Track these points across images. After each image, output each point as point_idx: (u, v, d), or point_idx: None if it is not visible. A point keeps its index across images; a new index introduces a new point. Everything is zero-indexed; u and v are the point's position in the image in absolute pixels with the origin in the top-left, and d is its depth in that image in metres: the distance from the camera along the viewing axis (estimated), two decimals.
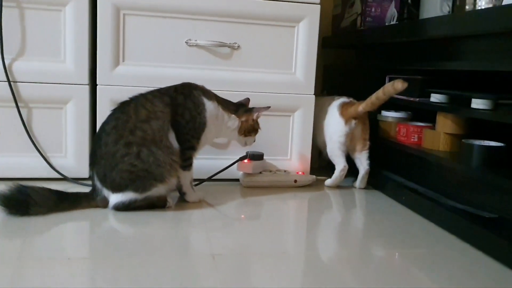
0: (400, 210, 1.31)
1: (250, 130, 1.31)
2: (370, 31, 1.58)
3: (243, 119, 1.29)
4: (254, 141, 1.35)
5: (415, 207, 1.29)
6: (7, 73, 1.33)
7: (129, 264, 0.88)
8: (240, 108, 1.31)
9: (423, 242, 1.08)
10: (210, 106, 1.24)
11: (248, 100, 1.36)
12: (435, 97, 1.38)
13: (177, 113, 1.19)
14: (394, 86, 1.36)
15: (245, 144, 1.33)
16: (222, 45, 1.43)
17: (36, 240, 0.97)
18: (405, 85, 1.35)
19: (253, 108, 1.32)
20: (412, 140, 1.46)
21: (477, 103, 1.20)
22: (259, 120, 1.34)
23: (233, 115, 1.29)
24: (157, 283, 0.81)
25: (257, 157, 1.44)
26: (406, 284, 0.86)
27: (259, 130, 1.34)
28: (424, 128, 1.44)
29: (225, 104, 1.29)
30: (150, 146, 1.13)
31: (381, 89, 1.39)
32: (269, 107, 1.33)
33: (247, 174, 1.45)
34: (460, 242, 1.09)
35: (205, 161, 1.46)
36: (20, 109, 1.35)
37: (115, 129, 1.14)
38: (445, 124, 1.35)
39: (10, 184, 1.08)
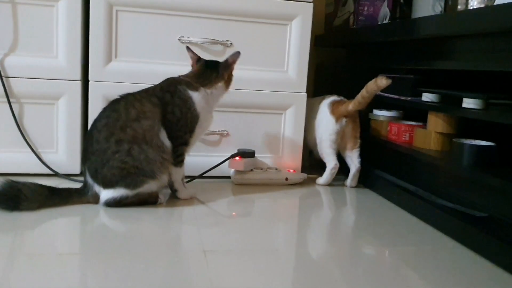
0: (391, 208, 1.32)
1: (230, 80, 1.29)
2: (363, 30, 1.59)
3: (225, 77, 1.27)
4: None
5: (406, 205, 1.30)
6: None
7: (120, 260, 0.88)
8: (219, 68, 1.26)
9: (414, 240, 1.09)
10: (197, 97, 1.23)
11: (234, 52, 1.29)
12: (426, 97, 1.39)
13: (167, 112, 1.19)
14: (377, 83, 1.37)
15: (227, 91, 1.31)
16: (215, 42, 1.43)
17: (27, 235, 0.97)
18: (389, 81, 1.35)
19: (226, 61, 1.27)
20: (403, 139, 1.47)
21: (468, 103, 1.21)
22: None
23: (219, 83, 1.26)
24: (148, 279, 0.81)
25: (248, 154, 1.45)
26: (395, 282, 0.87)
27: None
28: (415, 127, 1.45)
29: (206, 79, 1.25)
30: (141, 144, 1.13)
31: (364, 87, 1.40)
32: (239, 52, 1.27)
33: (238, 172, 1.45)
34: (450, 240, 1.09)
35: (196, 158, 1.46)
36: (12, 105, 1.34)
37: (106, 126, 1.14)
38: (437, 123, 1.36)
39: (1, 179, 1.08)
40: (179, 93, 1.21)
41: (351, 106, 1.44)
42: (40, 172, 1.38)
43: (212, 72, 1.26)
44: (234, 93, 1.43)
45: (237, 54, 1.27)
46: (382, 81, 1.35)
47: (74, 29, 1.35)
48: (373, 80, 1.38)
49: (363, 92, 1.40)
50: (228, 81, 1.28)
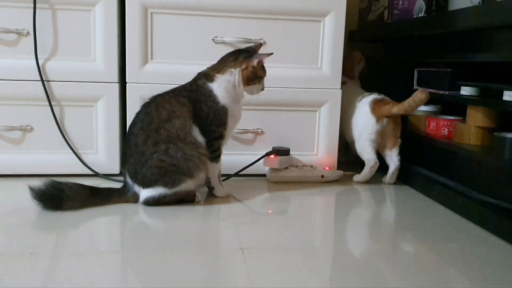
0: (430, 205, 1.30)
1: (251, 77, 1.22)
2: (398, 24, 1.56)
3: (243, 66, 1.22)
4: (263, 89, 1.27)
5: (446, 202, 1.27)
6: (40, 72, 1.36)
7: (160, 257, 0.89)
8: (240, 54, 1.23)
9: (455, 237, 1.07)
10: (217, 89, 1.22)
11: (259, 45, 1.29)
12: (465, 90, 1.35)
13: (196, 108, 1.20)
14: (418, 97, 1.36)
15: (252, 92, 1.26)
16: (248, 41, 1.44)
17: (70, 234, 1.00)
18: (424, 94, 1.35)
19: (253, 54, 1.23)
20: (442, 133, 1.44)
21: (509, 95, 1.18)
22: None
23: (232, 69, 1.22)
24: (188, 276, 0.82)
25: (283, 152, 1.45)
26: (437, 280, 0.85)
27: (264, 77, 1.26)
28: (454, 122, 1.42)
29: (222, 63, 1.24)
30: (177, 143, 1.16)
31: (411, 97, 1.38)
32: (272, 53, 1.23)
33: (273, 170, 1.45)
34: (492, 236, 1.07)
35: (231, 157, 1.47)
36: (53, 107, 1.39)
37: (142, 130, 1.17)
38: (476, 117, 1.33)
39: (45, 180, 1.11)
40: (200, 88, 1.22)
41: (396, 109, 1.42)
42: (81, 172, 1.42)
43: (231, 55, 1.24)
44: (268, 91, 1.43)
45: (267, 54, 1.22)
46: (421, 95, 1.35)
47: (110, 33, 1.39)
48: (415, 93, 1.37)
49: (410, 101, 1.38)
50: (249, 74, 1.21)
